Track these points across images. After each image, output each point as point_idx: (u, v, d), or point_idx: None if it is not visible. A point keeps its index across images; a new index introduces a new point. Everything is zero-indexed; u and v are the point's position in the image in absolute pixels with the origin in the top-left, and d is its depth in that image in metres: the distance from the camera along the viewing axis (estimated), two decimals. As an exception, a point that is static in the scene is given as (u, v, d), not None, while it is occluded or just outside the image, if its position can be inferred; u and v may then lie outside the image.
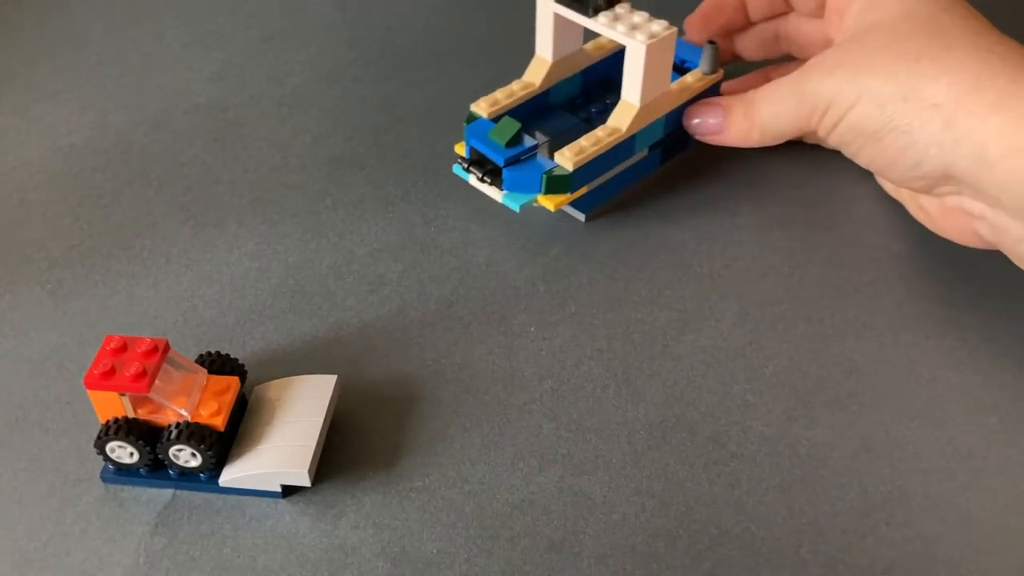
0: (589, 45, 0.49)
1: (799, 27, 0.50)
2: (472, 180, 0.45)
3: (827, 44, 0.47)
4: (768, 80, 0.49)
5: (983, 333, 0.41)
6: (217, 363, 0.37)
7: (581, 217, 0.46)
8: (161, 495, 0.36)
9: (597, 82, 0.49)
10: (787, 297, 0.43)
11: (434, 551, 0.34)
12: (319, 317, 0.42)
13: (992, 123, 0.36)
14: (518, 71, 0.47)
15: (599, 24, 0.43)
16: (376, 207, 0.47)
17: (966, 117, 0.37)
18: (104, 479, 0.36)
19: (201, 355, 0.37)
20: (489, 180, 0.44)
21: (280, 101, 0.55)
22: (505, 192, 0.44)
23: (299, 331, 0.42)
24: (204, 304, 0.43)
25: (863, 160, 0.43)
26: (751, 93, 0.45)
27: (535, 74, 0.47)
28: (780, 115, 0.44)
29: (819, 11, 0.48)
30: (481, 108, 0.45)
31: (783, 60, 0.52)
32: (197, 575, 0.34)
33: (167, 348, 0.35)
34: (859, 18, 0.43)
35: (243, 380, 0.37)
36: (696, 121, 0.47)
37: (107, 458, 0.35)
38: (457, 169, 0.45)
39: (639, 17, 0.43)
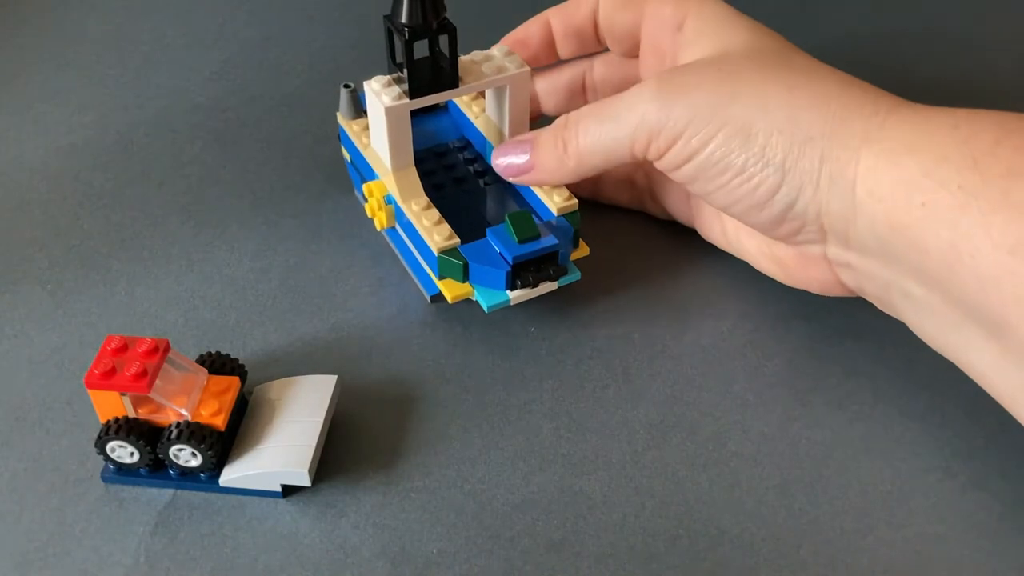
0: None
1: (606, 76, 0.46)
2: (523, 295, 0.39)
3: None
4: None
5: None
6: (217, 363, 0.37)
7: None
8: (161, 495, 0.36)
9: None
10: (787, 297, 0.43)
11: (434, 551, 0.34)
12: (320, 318, 0.42)
13: (863, 158, 0.33)
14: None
15: (469, 86, 0.40)
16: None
17: (839, 151, 0.34)
18: (104, 479, 0.36)
19: (201, 355, 0.37)
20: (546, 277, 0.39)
21: (280, 101, 0.55)
22: (565, 273, 0.40)
23: (299, 331, 0.42)
24: (204, 304, 0.43)
25: (719, 200, 0.37)
26: (562, 118, 0.40)
27: (414, 187, 0.41)
28: (604, 141, 0.38)
29: (634, 50, 0.44)
30: (440, 244, 0.39)
31: None
32: (197, 575, 0.34)
33: (167, 348, 0.35)
34: (696, 48, 0.39)
35: (243, 380, 0.37)
36: (504, 163, 0.41)
37: (107, 458, 0.35)
38: (494, 302, 0.39)
39: (478, 56, 0.41)
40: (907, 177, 0.32)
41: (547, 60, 0.45)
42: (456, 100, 0.47)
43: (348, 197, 0.48)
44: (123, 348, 0.34)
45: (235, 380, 0.36)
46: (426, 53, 0.39)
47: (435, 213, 0.40)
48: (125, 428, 0.34)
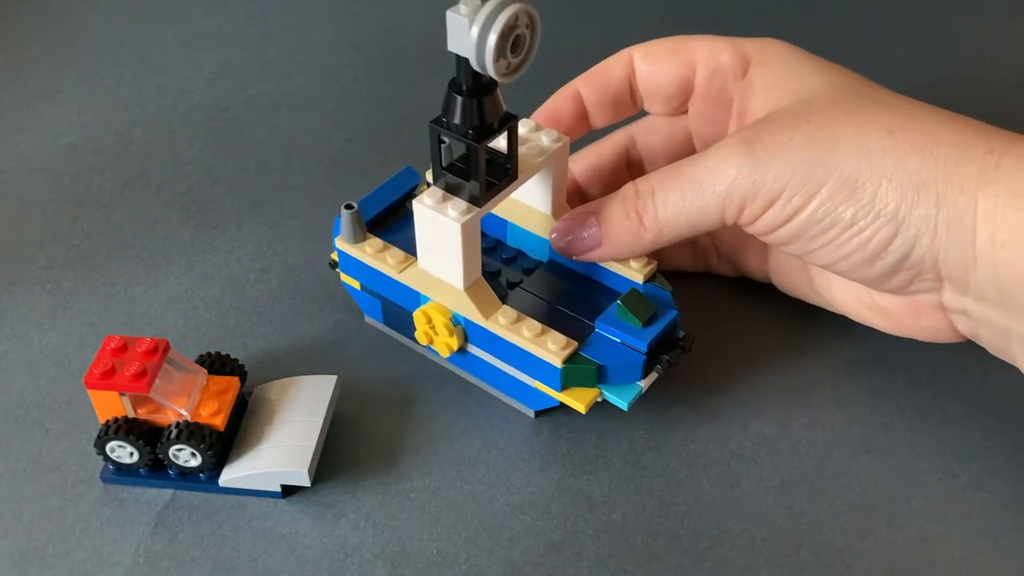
0: None
1: (654, 146, 0.42)
2: (653, 378, 0.37)
3: (687, 148, 0.41)
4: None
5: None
6: (217, 363, 0.37)
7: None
8: (161, 495, 0.36)
9: None
10: (787, 297, 0.43)
11: (434, 551, 0.34)
12: (320, 318, 0.42)
13: (981, 202, 0.31)
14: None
15: (526, 176, 0.36)
16: (376, 207, 0.47)
17: (955, 194, 0.31)
18: (104, 479, 0.36)
19: (201, 355, 0.37)
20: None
21: (280, 101, 0.55)
22: (694, 341, 0.38)
23: (299, 332, 0.42)
24: (204, 304, 0.43)
25: (822, 258, 0.35)
26: (630, 187, 0.36)
27: (492, 299, 0.37)
28: (690, 211, 0.35)
29: (682, 107, 0.40)
30: (562, 354, 0.35)
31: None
32: (197, 575, 0.34)
33: (167, 348, 0.35)
34: (767, 96, 0.36)
35: (243, 380, 0.37)
36: (567, 240, 0.38)
37: (107, 458, 0.35)
38: (631, 396, 0.36)
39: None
40: None
41: (580, 133, 0.41)
42: None
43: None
44: (123, 348, 0.34)
45: (235, 380, 0.36)
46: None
47: (535, 323, 0.36)
48: (125, 428, 0.34)
